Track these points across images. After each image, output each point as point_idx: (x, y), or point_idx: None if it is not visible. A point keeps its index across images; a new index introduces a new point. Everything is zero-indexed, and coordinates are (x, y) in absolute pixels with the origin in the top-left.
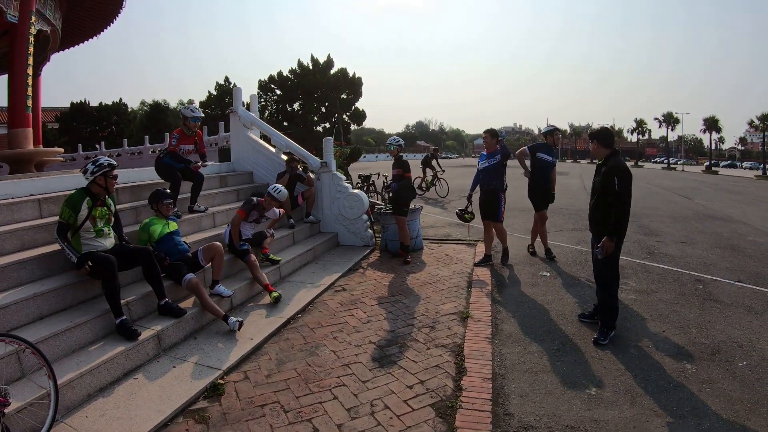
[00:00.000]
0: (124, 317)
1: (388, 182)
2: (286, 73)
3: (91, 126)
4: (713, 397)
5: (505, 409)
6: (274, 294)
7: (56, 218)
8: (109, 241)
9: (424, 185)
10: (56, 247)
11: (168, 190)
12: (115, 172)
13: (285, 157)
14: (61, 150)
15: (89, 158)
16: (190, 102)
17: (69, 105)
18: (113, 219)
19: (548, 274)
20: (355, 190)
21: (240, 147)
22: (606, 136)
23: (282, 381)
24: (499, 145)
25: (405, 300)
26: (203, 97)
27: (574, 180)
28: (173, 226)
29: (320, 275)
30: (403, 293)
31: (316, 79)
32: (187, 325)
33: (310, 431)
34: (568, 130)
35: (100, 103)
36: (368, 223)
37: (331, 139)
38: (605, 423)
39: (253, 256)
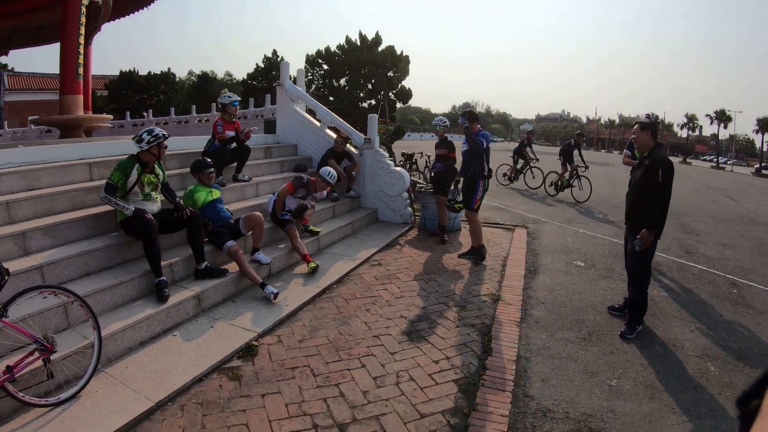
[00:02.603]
0: (162, 278)
1: (431, 162)
2: (333, 48)
3: (139, 94)
4: (732, 401)
5: (525, 391)
6: (312, 264)
7: (102, 181)
8: (156, 206)
9: (512, 174)
10: (104, 208)
11: (208, 160)
12: (167, 142)
13: (330, 132)
14: (110, 117)
15: (137, 125)
16: (223, 91)
17: (118, 73)
18: (160, 186)
19: (582, 264)
20: (397, 168)
21: (286, 120)
22: (656, 128)
23: (313, 347)
24: (473, 131)
25: (439, 278)
26: (251, 69)
27: (620, 172)
28: (216, 193)
29: (357, 249)
30: (437, 272)
31: (363, 55)
32: (226, 288)
33: (337, 395)
34: (617, 121)
35: (149, 72)
36: (408, 201)
37: (376, 116)
38: (622, 415)
39: (293, 227)
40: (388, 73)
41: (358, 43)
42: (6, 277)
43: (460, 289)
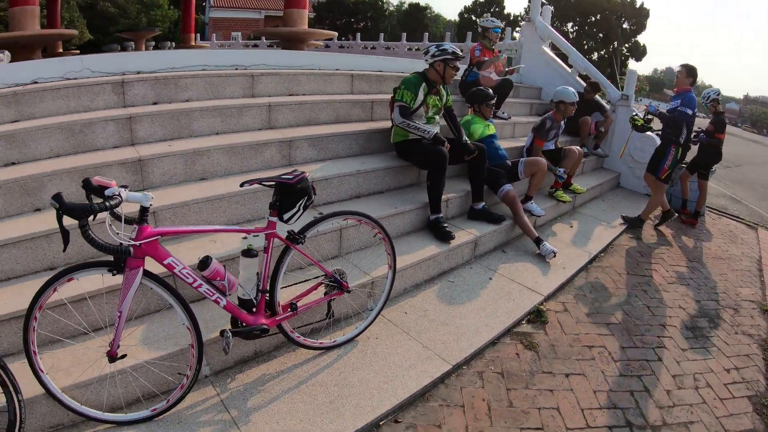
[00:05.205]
0: (441, 215)
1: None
2: None
3: (346, 17)
4: None
5: None
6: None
7: (365, 96)
8: (436, 130)
9: None
10: (370, 125)
11: (490, 91)
12: (458, 64)
13: (580, 80)
14: (335, 33)
15: (343, 47)
16: (485, 15)
17: None
18: (443, 110)
19: None
20: (649, 132)
21: (531, 60)
22: None
23: (603, 324)
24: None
25: (702, 270)
26: (469, 2)
27: None
28: (492, 129)
29: (610, 214)
30: (697, 261)
31: (595, 0)
32: (499, 236)
33: (641, 389)
34: None
35: None
36: None
37: (636, 71)
38: None
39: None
40: (623, 24)
41: None
42: (312, 197)
43: (727, 288)
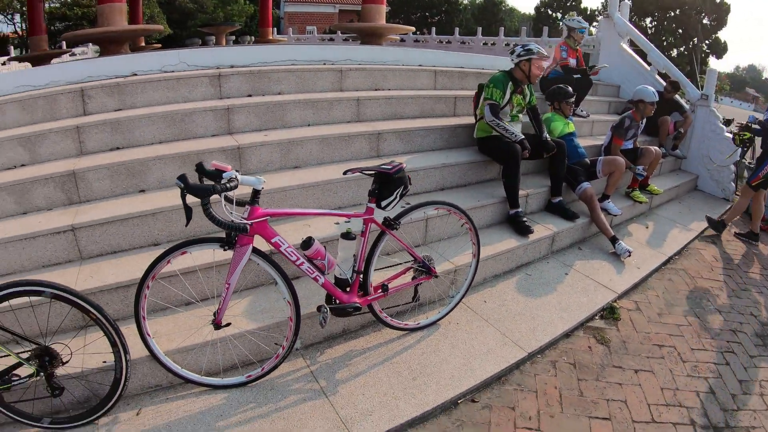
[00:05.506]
0: (519, 209)
1: None
2: None
3: (420, 12)
4: None
5: None
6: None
7: (448, 92)
8: (518, 129)
9: None
10: (453, 121)
11: (570, 89)
12: (543, 63)
13: (659, 79)
14: (412, 29)
15: (419, 42)
16: (571, 14)
17: None
18: (525, 107)
19: None
20: (729, 134)
21: (610, 57)
22: None
23: (674, 325)
24: None
25: None
26: None
27: None
28: (571, 126)
29: (686, 217)
30: None
31: None
32: (575, 233)
33: (707, 390)
34: None
35: None
36: (734, 174)
37: (716, 70)
38: None
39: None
40: (703, 20)
41: None
42: (408, 187)
43: None
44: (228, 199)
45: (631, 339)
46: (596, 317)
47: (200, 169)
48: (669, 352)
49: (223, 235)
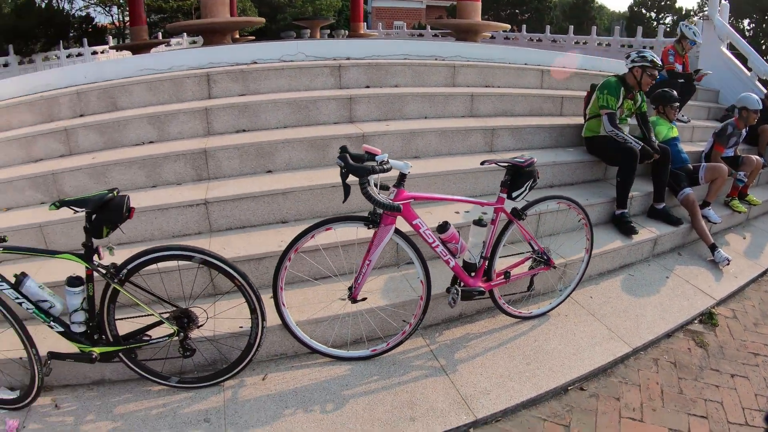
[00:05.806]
0: (626, 210)
1: None
2: None
3: (510, 9)
4: None
5: None
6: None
7: (554, 91)
8: (626, 131)
9: None
10: (561, 120)
11: (675, 93)
12: (656, 73)
13: (760, 85)
14: (507, 26)
15: (508, 39)
16: (691, 20)
17: None
18: (635, 113)
19: None
20: None
21: (710, 61)
22: None
23: None
24: None
25: None
26: None
27: None
28: (675, 131)
29: None
30: None
31: None
32: (676, 237)
33: None
34: None
35: None
36: None
37: None
38: None
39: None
40: None
41: None
42: (537, 180)
43: None
44: (373, 182)
45: (728, 345)
46: (695, 321)
47: (345, 151)
48: (764, 360)
49: (364, 214)
